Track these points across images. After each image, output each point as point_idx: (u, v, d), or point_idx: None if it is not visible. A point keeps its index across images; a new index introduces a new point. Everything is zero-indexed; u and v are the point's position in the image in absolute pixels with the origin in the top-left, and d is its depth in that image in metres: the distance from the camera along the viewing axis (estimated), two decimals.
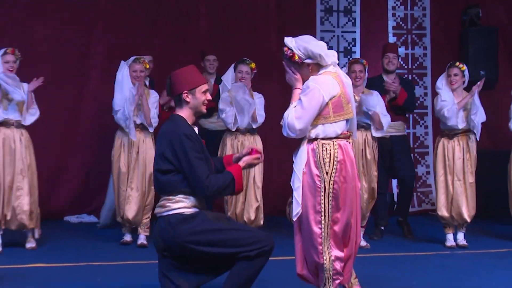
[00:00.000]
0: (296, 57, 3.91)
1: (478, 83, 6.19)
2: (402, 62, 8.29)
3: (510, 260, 5.80)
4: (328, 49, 4.41)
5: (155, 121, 6.15)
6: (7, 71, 5.61)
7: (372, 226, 6.71)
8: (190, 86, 4.02)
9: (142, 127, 6.06)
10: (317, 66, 3.93)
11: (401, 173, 6.87)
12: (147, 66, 6.11)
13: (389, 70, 6.65)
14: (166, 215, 3.98)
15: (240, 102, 5.98)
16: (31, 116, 5.78)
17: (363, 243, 6.01)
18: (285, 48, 3.96)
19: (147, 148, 6.09)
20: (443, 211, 6.24)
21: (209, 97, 4.10)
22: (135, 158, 6.09)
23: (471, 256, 6.02)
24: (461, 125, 6.15)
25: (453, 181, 6.29)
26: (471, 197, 6.22)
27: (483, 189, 7.00)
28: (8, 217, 5.65)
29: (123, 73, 5.95)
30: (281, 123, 3.98)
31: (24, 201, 5.67)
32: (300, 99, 3.88)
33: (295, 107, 3.93)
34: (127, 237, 6.14)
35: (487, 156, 7.77)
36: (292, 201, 4.33)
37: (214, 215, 4.24)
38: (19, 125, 5.68)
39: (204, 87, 4.08)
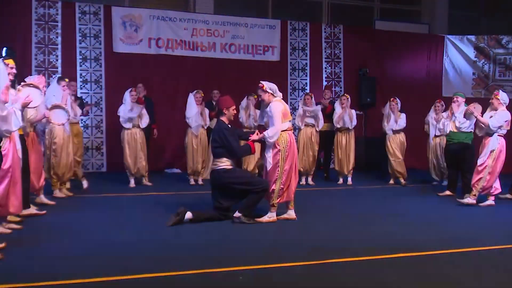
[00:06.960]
0: (264, 87, 5.12)
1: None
2: (332, 94, 10.63)
3: None
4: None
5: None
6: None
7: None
8: (226, 106, 5.17)
9: None
10: (273, 96, 5.14)
11: (326, 149, 9.34)
12: (202, 94, 8.31)
13: (326, 98, 9.26)
14: (217, 169, 4.99)
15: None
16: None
17: (310, 182, 8.61)
18: (260, 84, 5.21)
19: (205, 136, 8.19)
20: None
21: (235, 111, 5.25)
22: (199, 141, 8.25)
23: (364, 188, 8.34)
24: (340, 125, 8.64)
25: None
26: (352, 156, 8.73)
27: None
28: (135, 170, 7.97)
29: (191, 99, 8.18)
30: (267, 139, 4.99)
31: (143, 164, 8.05)
32: (271, 120, 4.90)
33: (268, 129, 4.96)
34: (192, 181, 8.42)
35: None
36: (261, 162, 5.71)
37: (239, 169, 5.47)
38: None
39: (232, 106, 5.13)
